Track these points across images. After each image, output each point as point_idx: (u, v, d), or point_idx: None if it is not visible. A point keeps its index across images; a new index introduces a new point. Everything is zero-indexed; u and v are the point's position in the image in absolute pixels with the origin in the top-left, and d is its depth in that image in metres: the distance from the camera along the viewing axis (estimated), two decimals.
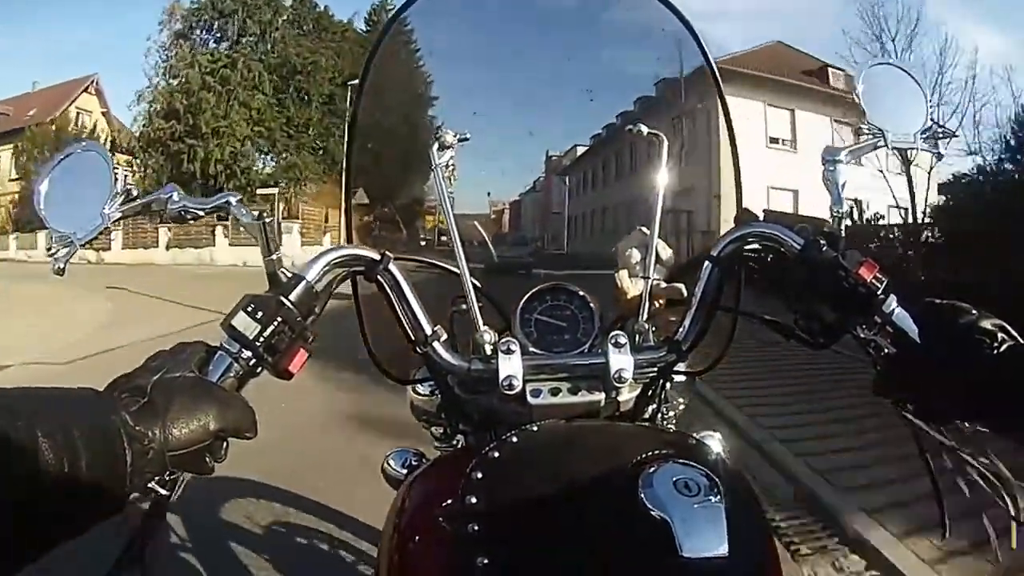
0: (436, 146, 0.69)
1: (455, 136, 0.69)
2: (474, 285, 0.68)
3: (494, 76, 0.87)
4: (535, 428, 0.58)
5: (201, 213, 0.63)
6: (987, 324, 0.53)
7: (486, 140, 0.80)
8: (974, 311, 0.55)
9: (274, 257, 0.59)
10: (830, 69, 17.92)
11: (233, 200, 0.63)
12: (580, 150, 1.01)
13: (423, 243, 0.96)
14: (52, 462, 0.40)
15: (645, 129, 0.74)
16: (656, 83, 0.88)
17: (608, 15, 0.93)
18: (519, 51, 0.88)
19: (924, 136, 0.68)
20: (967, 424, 0.53)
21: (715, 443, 0.87)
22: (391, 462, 0.88)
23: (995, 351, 0.51)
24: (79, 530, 0.44)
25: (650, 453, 0.50)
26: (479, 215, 0.94)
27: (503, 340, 0.64)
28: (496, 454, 0.54)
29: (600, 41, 0.90)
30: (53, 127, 23.10)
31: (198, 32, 26.08)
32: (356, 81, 0.77)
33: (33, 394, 0.43)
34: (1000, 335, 0.52)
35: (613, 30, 0.90)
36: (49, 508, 0.40)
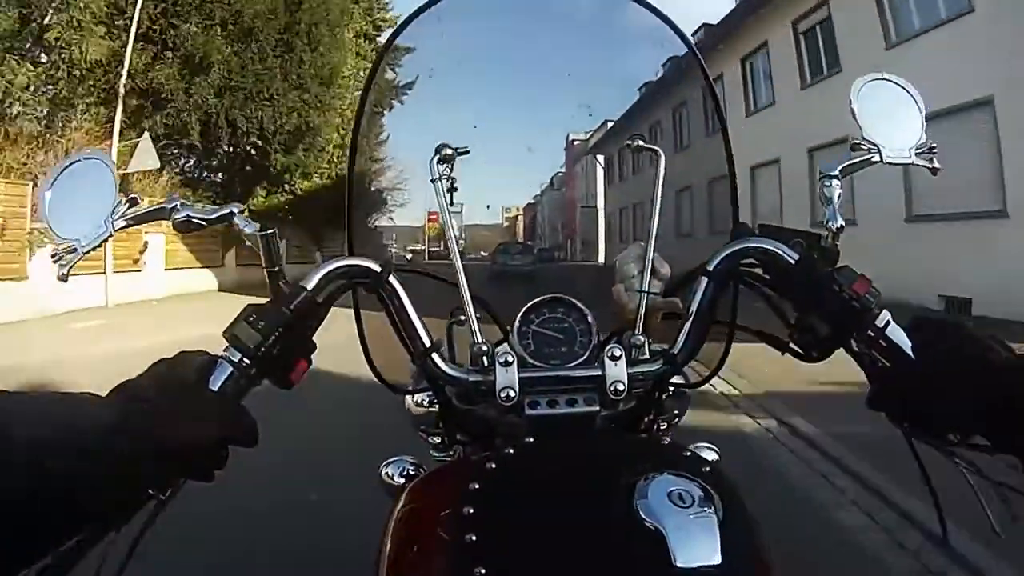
0: (436, 158, 0.70)
1: (455, 149, 0.70)
2: (472, 296, 0.68)
3: (495, 85, 0.88)
4: (532, 439, 0.59)
5: (204, 223, 0.64)
6: (982, 338, 0.54)
7: (490, 147, 0.80)
8: (968, 325, 0.56)
9: (276, 269, 0.59)
10: None
11: (236, 211, 0.64)
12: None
13: (419, 254, 0.97)
14: (52, 467, 0.41)
15: (643, 143, 0.75)
16: (644, 85, 0.87)
17: (605, 19, 0.93)
18: (517, 59, 0.89)
19: (919, 151, 0.69)
20: (963, 439, 0.54)
21: (709, 455, 0.87)
22: (388, 471, 0.88)
23: (990, 365, 0.52)
24: (79, 536, 0.44)
25: (645, 464, 0.51)
26: (489, 225, 0.92)
27: (500, 352, 0.65)
28: (493, 465, 0.55)
29: (597, 45, 0.90)
30: None
31: None
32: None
33: (34, 398, 0.44)
34: (995, 349, 0.53)
35: (612, 34, 0.90)
36: (49, 514, 0.41)
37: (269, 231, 0.61)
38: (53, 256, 0.65)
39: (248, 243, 0.61)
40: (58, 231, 0.64)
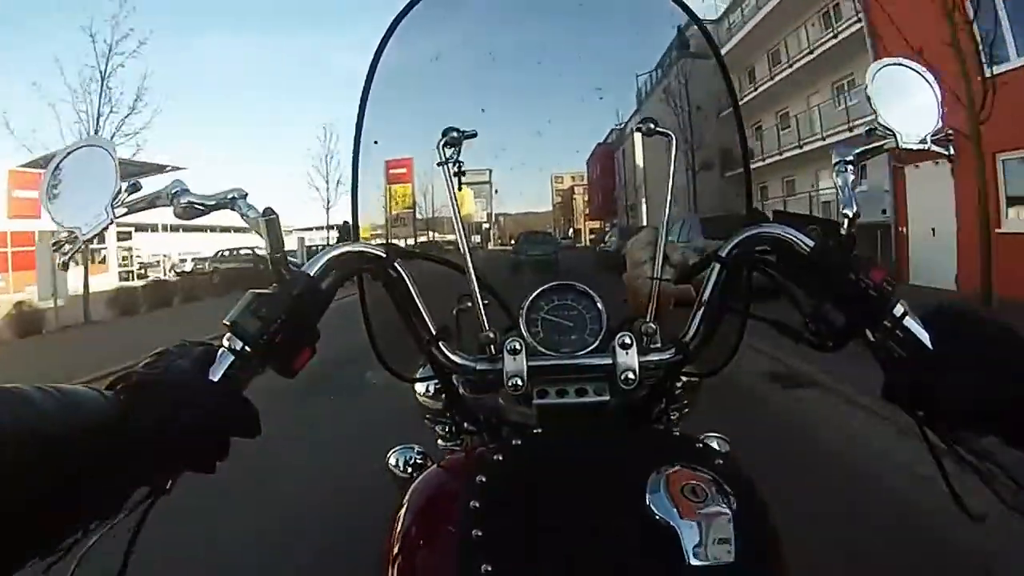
0: (443, 142, 0.68)
1: (462, 133, 0.69)
2: (480, 283, 0.67)
3: (505, 67, 0.84)
4: (540, 430, 0.58)
5: (206, 209, 0.62)
6: (1000, 331, 0.53)
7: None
8: (987, 317, 0.54)
9: (279, 254, 0.58)
10: None
11: (239, 195, 0.62)
12: None
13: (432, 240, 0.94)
14: (55, 460, 0.41)
15: (654, 127, 0.73)
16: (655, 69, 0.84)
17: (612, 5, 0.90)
18: (528, 39, 0.85)
19: (935, 138, 0.68)
20: (978, 433, 0.53)
21: (722, 447, 0.86)
22: (394, 461, 0.88)
23: (1008, 359, 0.50)
24: (83, 528, 0.44)
25: (656, 457, 0.50)
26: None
27: (508, 339, 0.63)
28: (500, 457, 0.53)
29: (607, 27, 0.87)
30: None
31: None
32: None
33: (35, 391, 0.43)
34: (1013, 342, 0.52)
35: (620, 17, 0.87)
36: (52, 507, 0.41)
37: (272, 215, 0.60)
38: (54, 245, 0.64)
39: (251, 228, 0.60)
40: (59, 219, 0.63)
